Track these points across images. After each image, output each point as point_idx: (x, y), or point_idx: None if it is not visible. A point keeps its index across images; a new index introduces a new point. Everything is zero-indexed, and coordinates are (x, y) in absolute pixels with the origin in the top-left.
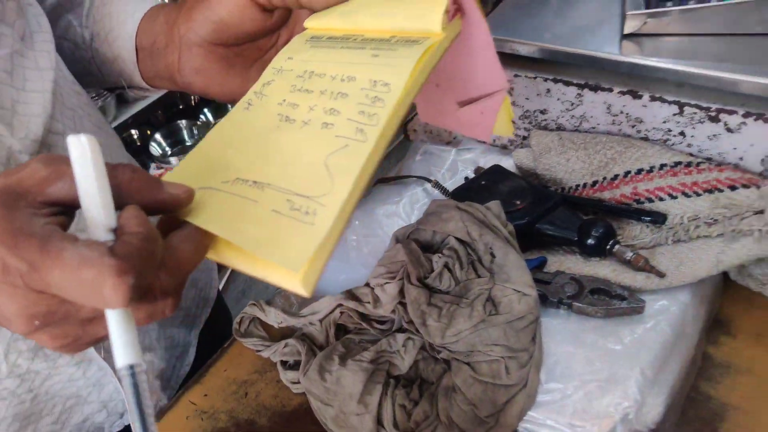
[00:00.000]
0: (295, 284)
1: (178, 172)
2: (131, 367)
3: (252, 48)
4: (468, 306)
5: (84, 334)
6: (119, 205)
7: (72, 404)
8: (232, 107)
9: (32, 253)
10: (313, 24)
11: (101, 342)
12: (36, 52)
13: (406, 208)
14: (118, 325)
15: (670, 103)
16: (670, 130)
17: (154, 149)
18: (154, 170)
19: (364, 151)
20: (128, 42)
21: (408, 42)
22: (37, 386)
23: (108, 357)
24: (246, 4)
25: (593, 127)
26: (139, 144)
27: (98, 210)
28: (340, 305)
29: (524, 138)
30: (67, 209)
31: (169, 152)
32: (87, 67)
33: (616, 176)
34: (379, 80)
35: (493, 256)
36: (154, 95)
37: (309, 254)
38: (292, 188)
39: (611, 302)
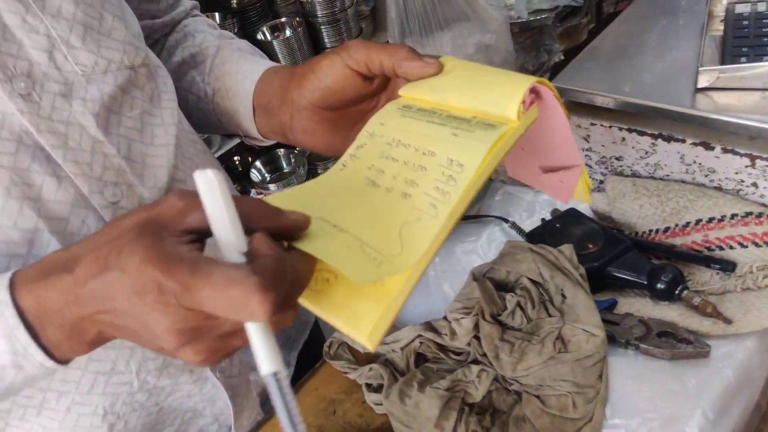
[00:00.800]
0: (363, 340)
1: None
2: (275, 374)
3: (354, 111)
4: (539, 343)
5: (222, 347)
6: (247, 231)
7: (189, 417)
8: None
9: (184, 275)
10: (407, 93)
11: (234, 354)
12: (162, 110)
13: (483, 246)
14: (260, 337)
15: (742, 155)
16: (742, 181)
17: (254, 176)
18: (253, 194)
19: (434, 227)
20: (246, 100)
21: (486, 125)
22: (162, 400)
23: (221, 376)
24: (349, 74)
25: (667, 175)
26: (240, 170)
27: (230, 235)
28: (419, 336)
29: (600, 182)
30: (200, 236)
31: (268, 178)
32: (208, 117)
33: (688, 223)
34: (455, 160)
35: (564, 296)
36: None
37: (375, 318)
38: (366, 239)
39: (677, 345)
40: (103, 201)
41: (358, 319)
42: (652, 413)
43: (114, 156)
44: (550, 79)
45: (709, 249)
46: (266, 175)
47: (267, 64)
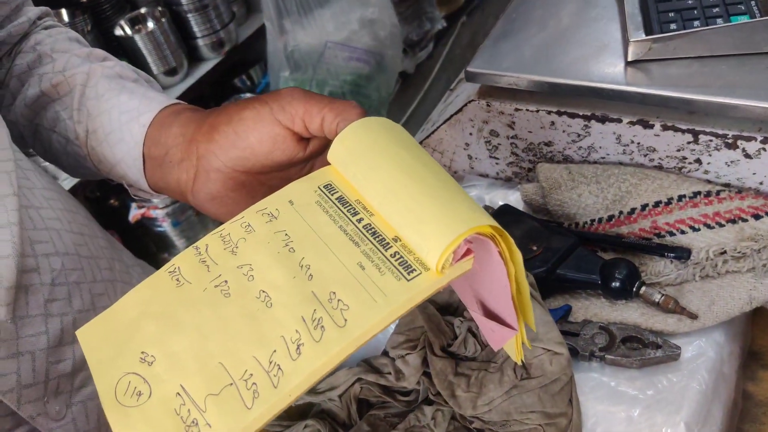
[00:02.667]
0: None
1: (91, 335)
2: None
3: (280, 177)
4: (497, 371)
5: None
6: None
7: None
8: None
9: None
10: (335, 163)
11: None
12: None
13: None
14: None
15: (684, 131)
16: (685, 158)
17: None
18: (134, 210)
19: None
20: (133, 149)
21: (400, 268)
22: None
23: None
24: (279, 133)
25: (603, 158)
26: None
27: None
28: (359, 379)
29: (529, 170)
30: None
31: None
32: (81, 162)
33: (633, 210)
34: (343, 304)
35: None
36: None
37: None
38: (188, 387)
39: (645, 351)
40: None
41: None
42: None
43: None
44: (435, 46)
45: (659, 236)
46: None
47: (160, 100)
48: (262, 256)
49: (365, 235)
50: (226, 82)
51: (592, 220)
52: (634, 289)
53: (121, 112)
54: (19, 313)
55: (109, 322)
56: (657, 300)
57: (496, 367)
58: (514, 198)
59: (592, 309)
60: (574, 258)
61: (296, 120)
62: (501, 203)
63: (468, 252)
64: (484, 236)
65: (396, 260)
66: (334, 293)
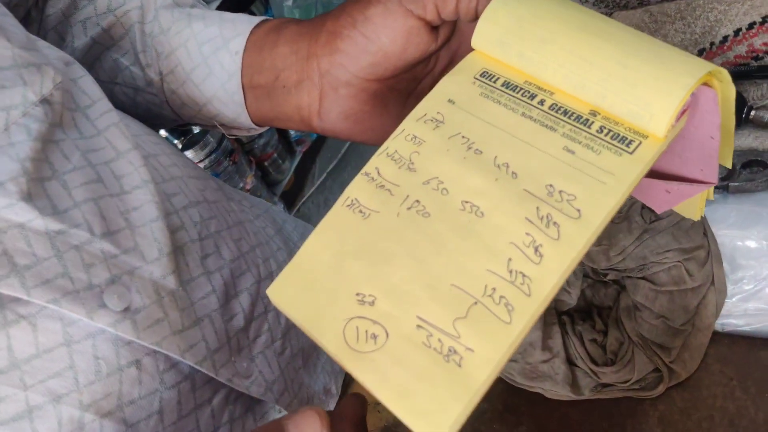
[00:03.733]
0: None
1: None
2: None
3: (407, 78)
4: (624, 219)
5: None
6: None
7: None
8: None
9: None
10: (485, 47)
11: None
12: (104, 133)
13: None
14: None
15: None
16: None
17: None
18: None
19: (517, 324)
20: (229, 82)
21: (615, 142)
22: None
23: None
24: (413, 25)
25: None
26: None
27: None
28: None
29: None
30: None
31: (179, 146)
32: (156, 111)
33: (725, 38)
34: (567, 194)
35: None
36: None
37: (454, 415)
38: (431, 318)
39: None
40: (111, 316)
41: (426, 414)
42: None
43: (89, 241)
44: None
45: (756, 59)
46: (173, 140)
47: (244, 20)
48: (447, 166)
49: (557, 117)
50: None
51: None
52: (744, 115)
53: (200, 43)
54: (184, 277)
55: (300, 274)
56: None
57: (622, 216)
58: None
59: None
60: None
61: (429, 6)
62: None
63: (686, 109)
64: (705, 85)
65: (606, 135)
66: (552, 186)
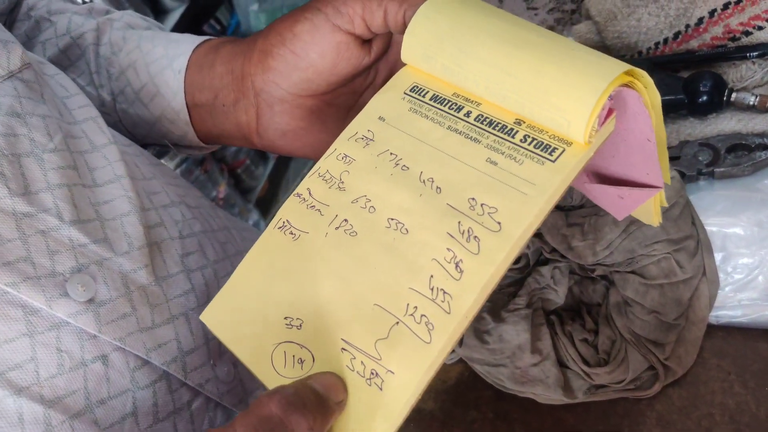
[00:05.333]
0: None
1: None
2: None
3: (345, 92)
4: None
5: None
6: None
7: None
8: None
9: None
10: (412, 61)
11: None
12: (81, 124)
13: None
14: None
15: None
16: None
17: None
18: None
19: (432, 349)
20: (174, 100)
21: (538, 151)
22: None
23: None
24: (342, 40)
25: None
26: None
27: None
28: None
29: (573, 12)
30: None
31: None
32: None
33: (700, 19)
34: (489, 207)
35: None
36: None
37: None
38: (352, 338)
39: (754, 155)
40: (72, 306)
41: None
42: (765, 240)
43: (57, 227)
44: None
45: (733, 39)
46: None
47: (188, 40)
48: (374, 184)
49: (481, 128)
50: (195, 31)
51: (657, 44)
52: (725, 98)
53: (147, 63)
54: (160, 273)
55: (234, 298)
56: (752, 102)
57: None
58: None
59: (683, 130)
60: (654, 82)
61: (356, 20)
62: None
63: (609, 112)
64: (625, 87)
65: (529, 144)
66: (474, 199)
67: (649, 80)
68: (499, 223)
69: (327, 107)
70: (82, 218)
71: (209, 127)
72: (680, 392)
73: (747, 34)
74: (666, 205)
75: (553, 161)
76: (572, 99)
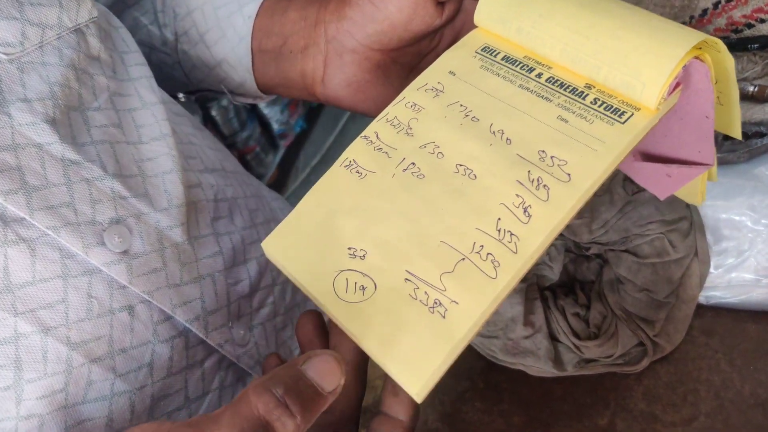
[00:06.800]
0: (410, 390)
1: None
2: None
3: (411, 52)
4: (605, 192)
5: None
6: None
7: None
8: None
9: None
10: (487, 24)
11: None
12: (134, 81)
13: None
14: None
15: None
16: None
17: None
18: None
19: (505, 274)
20: (239, 45)
21: (608, 113)
22: None
23: None
24: None
25: None
26: None
27: None
28: None
29: None
30: None
31: None
32: (168, 72)
33: (704, 11)
34: (559, 160)
35: None
36: None
37: (433, 366)
38: (420, 273)
39: (750, 143)
40: (107, 255)
41: (408, 361)
42: (757, 225)
43: (101, 177)
44: None
45: (736, 31)
46: None
47: None
48: (443, 132)
49: (553, 89)
50: None
51: None
52: None
53: (216, 6)
54: (193, 233)
55: (295, 229)
56: (751, 92)
57: (604, 188)
58: None
59: None
60: None
61: None
62: None
63: (677, 84)
64: (696, 59)
65: (599, 106)
66: (544, 151)
67: (723, 46)
68: (568, 174)
69: (392, 64)
70: (125, 173)
71: (271, 74)
72: (668, 368)
73: (749, 26)
74: (716, 180)
75: (623, 123)
76: (652, 63)
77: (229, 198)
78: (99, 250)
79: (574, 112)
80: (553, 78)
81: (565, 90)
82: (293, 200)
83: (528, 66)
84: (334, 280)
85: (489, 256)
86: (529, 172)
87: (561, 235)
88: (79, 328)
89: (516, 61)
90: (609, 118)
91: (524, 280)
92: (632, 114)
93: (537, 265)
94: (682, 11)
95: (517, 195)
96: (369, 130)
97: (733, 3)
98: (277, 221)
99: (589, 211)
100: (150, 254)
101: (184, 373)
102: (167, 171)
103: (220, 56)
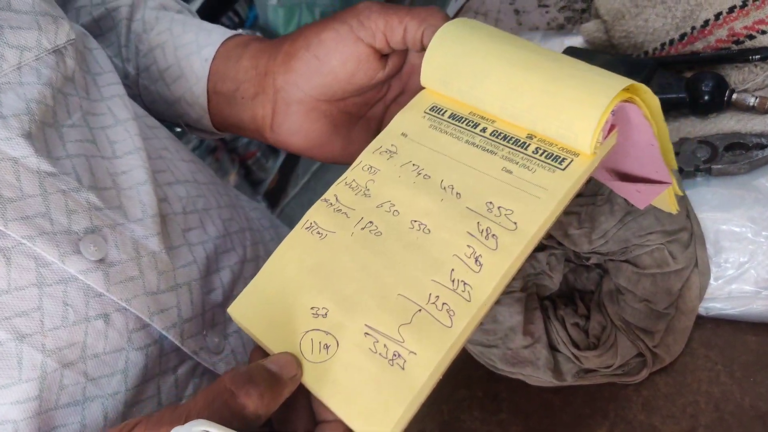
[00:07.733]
0: None
1: (251, 297)
2: None
3: (358, 102)
4: (606, 202)
5: None
6: None
7: None
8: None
9: None
10: (431, 85)
11: None
12: (107, 100)
13: None
14: None
15: None
16: None
17: None
18: None
19: (456, 328)
20: (196, 85)
21: (549, 161)
22: None
23: None
24: (362, 52)
25: None
26: None
27: None
28: None
29: (583, 12)
30: None
31: None
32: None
33: (706, 22)
34: (505, 209)
35: None
36: None
37: (398, 414)
38: (377, 325)
39: (751, 154)
40: (84, 264)
41: (370, 416)
42: (757, 236)
43: (77, 189)
44: None
45: (737, 42)
46: None
47: (219, 31)
48: (398, 191)
49: (497, 142)
50: (212, 21)
51: (663, 44)
52: (725, 99)
53: (176, 46)
54: (166, 243)
55: (261, 292)
56: (752, 104)
57: (604, 199)
58: (576, 41)
59: (684, 128)
60: (656, 82)
61: (377, 35)
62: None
63: (612, 127)
64: (626, 102)
65: (541, 155)
66: (491, 203)
67: (647, 89)
68: (515, 223)
69: (339, 114)
70: (99, 186)
71: (225, 115)
72: (667, 379)
73: (751, 37)
74: (681, 193)
75: (563, 170)
76: (578, 115)
77: (199, 209)
78: (75, 258)
79: (517, 163)
80: (497, 131)
81: (508, 142)
82: (293, 205)
83: (473, 122)
84: (300, 341)
85: (444, 305)
86: (478, 223)
87: (561, 244)
88: (55, 335)
89: (462, 118)
90: (550, 166)
91: (524, 289)
92: (572, 160)
93: (537, 274)
94: (684, 21)
95: (468, 246)
96: (329, 194)
97: (734, 14)
98: (252, 230)
99: (589, 221)
100: (126, 263)
101: (157, 379)
102: (141, 182)
103: (178, 93)
